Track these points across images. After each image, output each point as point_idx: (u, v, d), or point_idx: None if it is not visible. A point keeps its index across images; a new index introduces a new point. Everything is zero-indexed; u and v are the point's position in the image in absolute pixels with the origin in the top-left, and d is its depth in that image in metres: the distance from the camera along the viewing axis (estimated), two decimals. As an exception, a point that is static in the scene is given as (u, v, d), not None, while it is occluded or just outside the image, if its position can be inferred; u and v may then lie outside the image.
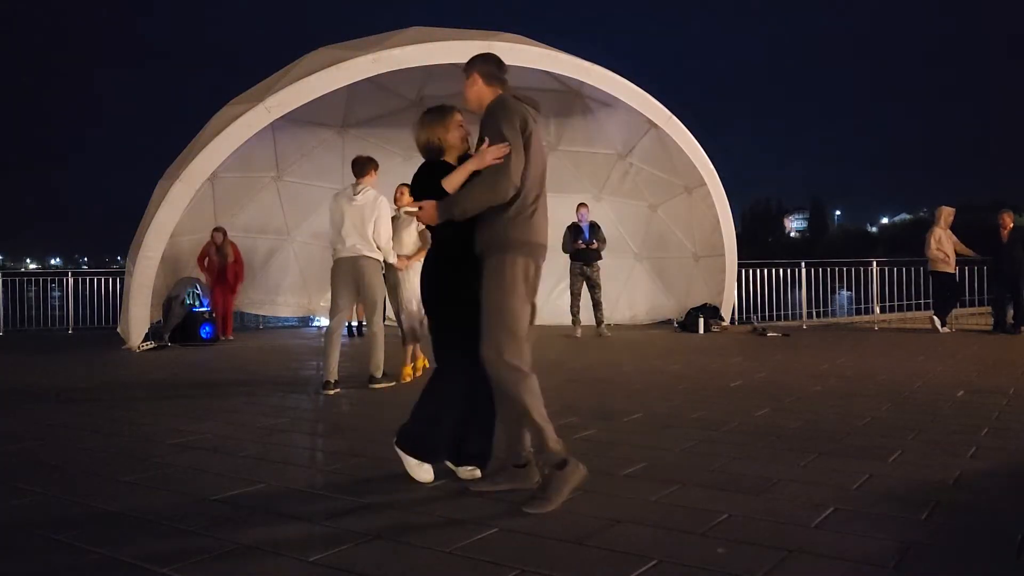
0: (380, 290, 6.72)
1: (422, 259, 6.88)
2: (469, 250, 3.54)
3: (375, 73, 10.33)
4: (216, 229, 11.93)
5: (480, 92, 3.63)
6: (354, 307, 12.21)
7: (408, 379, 7.06)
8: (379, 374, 6.72)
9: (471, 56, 3.73)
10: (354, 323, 12.20)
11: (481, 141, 3.54)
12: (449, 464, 3.79)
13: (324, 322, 14.30)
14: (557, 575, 2.58)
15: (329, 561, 2.70)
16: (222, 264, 11.85)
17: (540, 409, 3.35)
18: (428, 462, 3.72)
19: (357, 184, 6.65)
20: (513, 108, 3.48)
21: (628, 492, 3.49)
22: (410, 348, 7.25)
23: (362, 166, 6.72)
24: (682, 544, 2.83)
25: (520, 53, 10.84)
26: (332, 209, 6.74)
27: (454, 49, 10.61)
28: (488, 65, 3.65)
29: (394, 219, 7.05)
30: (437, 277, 3.70)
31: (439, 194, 3.51)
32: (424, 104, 12.73)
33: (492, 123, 3.46)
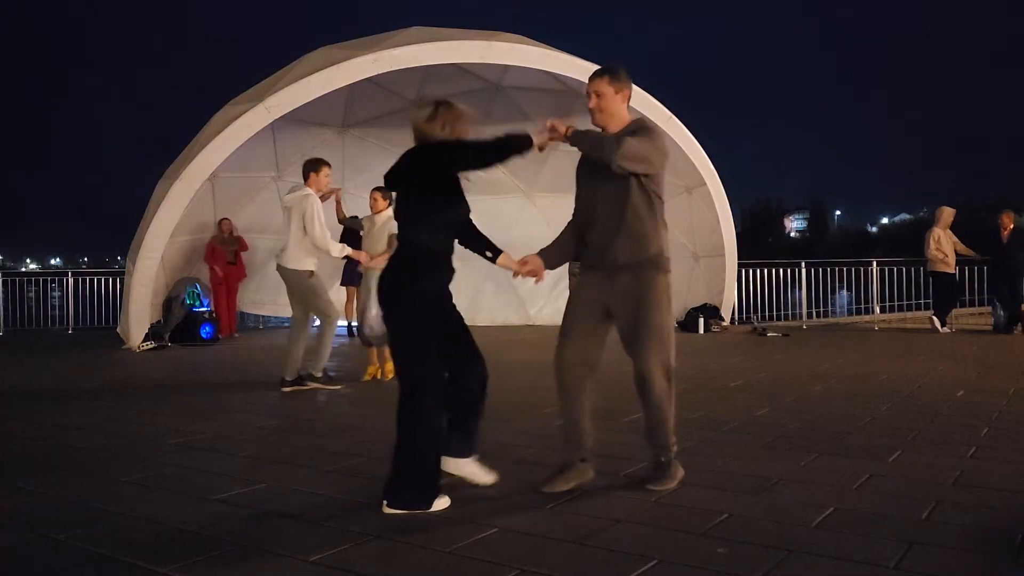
0: (312, 296, 6.65)
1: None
2: (439, 258, 3.47)
3: (375, 73, 10.31)
4: (224, 219, 11.94)
5: (623, 112, 3.67)
6: (353, 306, 12.18)
7: (369, 378, 7.09)
8: (318, 374, 6.72)
9: (612, 67, 3.70)
10: (354, 323, 12.19)
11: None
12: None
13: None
14: (557, 575, 2.58)
15: (329, 561, 2.70)
16: (232, 253, 11.87)
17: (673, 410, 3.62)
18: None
19: (300, 186, 6.63)
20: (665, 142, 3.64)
21: (628, 492, 3.49)
22: (375, 351, 7.08)
23: (304, 170, 6.70)
24: (682, 544, 2.83)
25: (520, 53, 10.83)
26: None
27: (454, 49, 10.61)
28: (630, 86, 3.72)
29: (362, 220, 6.98)
30: (414, 282, 3.38)
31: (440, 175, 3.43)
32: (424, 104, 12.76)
33: (642, 133, 3.55)
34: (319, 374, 6.68)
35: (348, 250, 6.69)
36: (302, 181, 6.79)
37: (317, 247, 6.50)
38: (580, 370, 3.61)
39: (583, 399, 3.62)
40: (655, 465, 3.65)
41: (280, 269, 6.68)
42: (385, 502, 3.25)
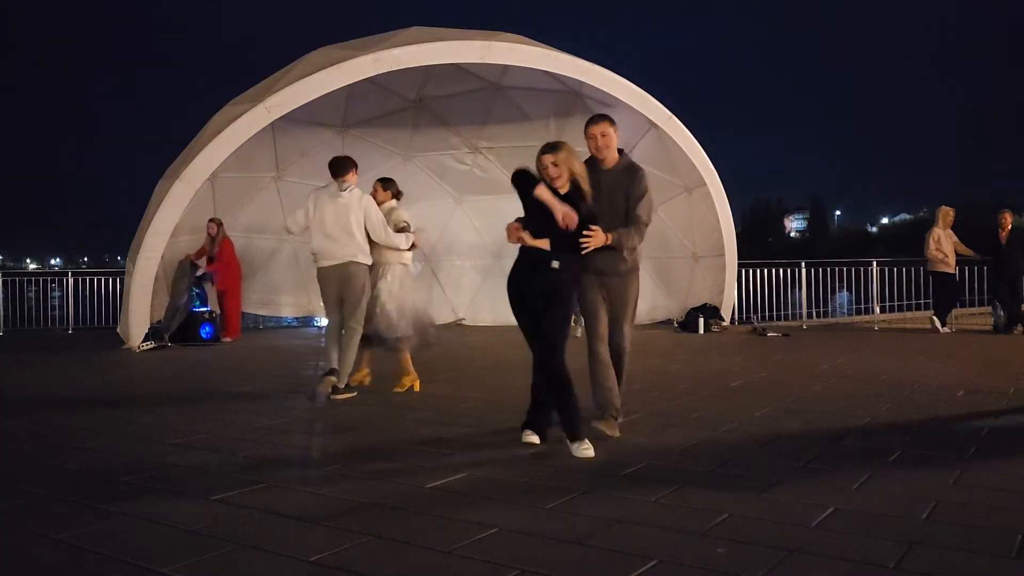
0: (365, 294, 6.37)
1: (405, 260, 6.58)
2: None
3: (375, 73, 10.31)
4: (210, 220, 11.60)
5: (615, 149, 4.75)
6: None
7: (403, 389, 6.48)
8: (342, 384, 6.24)
9: (602, 114, 4.85)
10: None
11: (618, 188, 4.68)
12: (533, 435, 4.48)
13: (325, 322, 14.14)
14: (557, 575, 2.58)
15: (329, 561, 2.70)
16: (211, 256, 11.65)
17: None
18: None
19: (342, 181, 6.32)
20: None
21: (628, 492, 3.49)
22: (406, 355, 6.60)
23: (343, 164, 6.39)
24: (682, 544, 2.83)
25: (520, 53, 10.83)
26: (313, 207, 6.31)
27: (454, 49, 10.61)
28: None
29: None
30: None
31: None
32: (424, 104, 12.77)
33: (643, 187, 4.69)
34: (343, 384, 6.26)
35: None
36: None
37: (387, 246, 6.44)
38: (606, 345, 4.71)
39: (611, 368, 4.69)
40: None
41: (349, 265, 6.28)
42: (575, 439, 4.25)
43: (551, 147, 4.39)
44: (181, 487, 3.69)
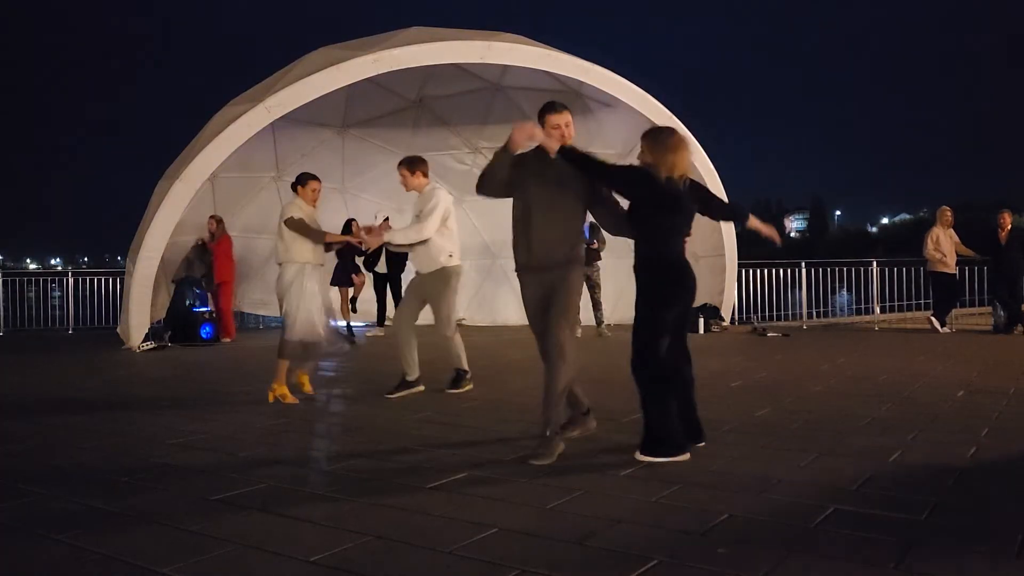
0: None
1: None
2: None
3: (375, 73, 10.32)
4: (211, 216, 11.55)
5: None
6: (348, 308, 11.96)
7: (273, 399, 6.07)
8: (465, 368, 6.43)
9: (561, 103, 4.53)
10: (353, 324, 12.16)
11: (572, 179, 4.43)
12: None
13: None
14: (557, 575, 2.58)
15: (329, 561, 2.70)
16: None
17: None
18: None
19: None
20: None
21: (628, 492, 3.50)
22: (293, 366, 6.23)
23: (419, 165, 6.41)
24: (682, 544, 2.83)
25: (520, 53, 10.83)
26: (451, 210, 6.42)
27: (454, 49, 10.61)
28: None
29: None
30: None
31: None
32: (424, 104, 12.77)
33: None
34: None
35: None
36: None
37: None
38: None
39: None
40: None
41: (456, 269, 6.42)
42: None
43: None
44: (181, 487, 3.69)
